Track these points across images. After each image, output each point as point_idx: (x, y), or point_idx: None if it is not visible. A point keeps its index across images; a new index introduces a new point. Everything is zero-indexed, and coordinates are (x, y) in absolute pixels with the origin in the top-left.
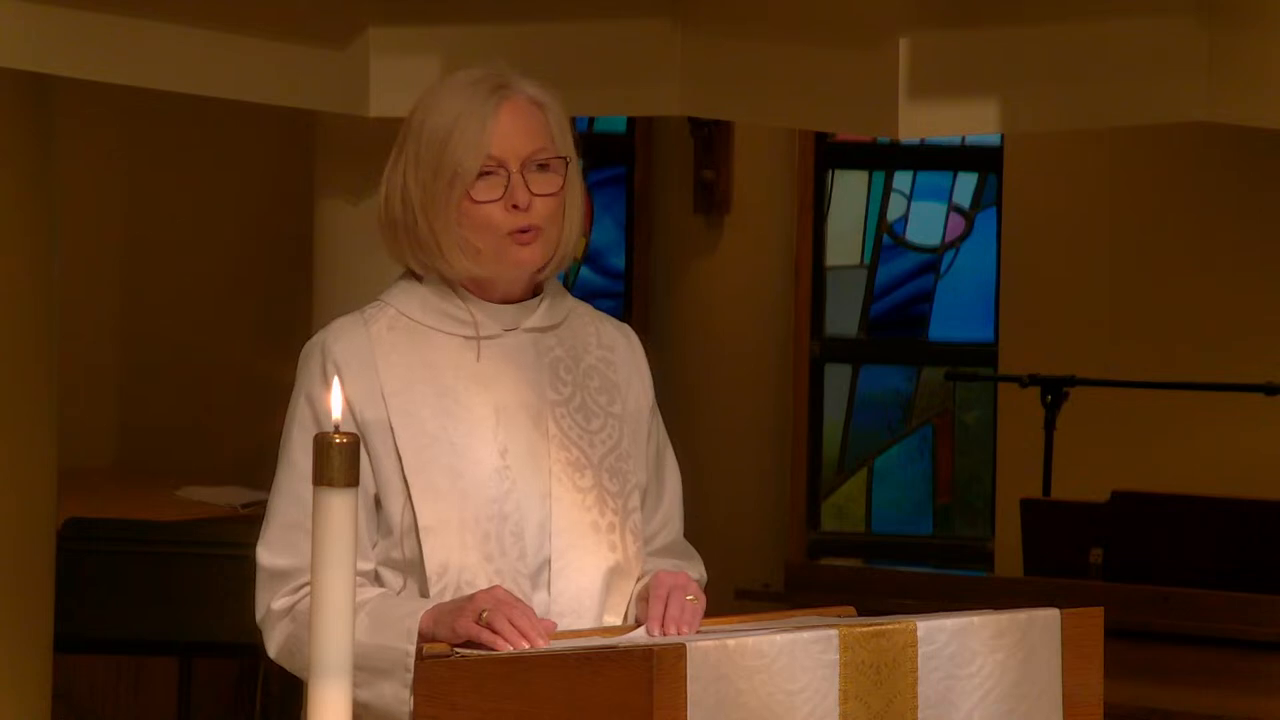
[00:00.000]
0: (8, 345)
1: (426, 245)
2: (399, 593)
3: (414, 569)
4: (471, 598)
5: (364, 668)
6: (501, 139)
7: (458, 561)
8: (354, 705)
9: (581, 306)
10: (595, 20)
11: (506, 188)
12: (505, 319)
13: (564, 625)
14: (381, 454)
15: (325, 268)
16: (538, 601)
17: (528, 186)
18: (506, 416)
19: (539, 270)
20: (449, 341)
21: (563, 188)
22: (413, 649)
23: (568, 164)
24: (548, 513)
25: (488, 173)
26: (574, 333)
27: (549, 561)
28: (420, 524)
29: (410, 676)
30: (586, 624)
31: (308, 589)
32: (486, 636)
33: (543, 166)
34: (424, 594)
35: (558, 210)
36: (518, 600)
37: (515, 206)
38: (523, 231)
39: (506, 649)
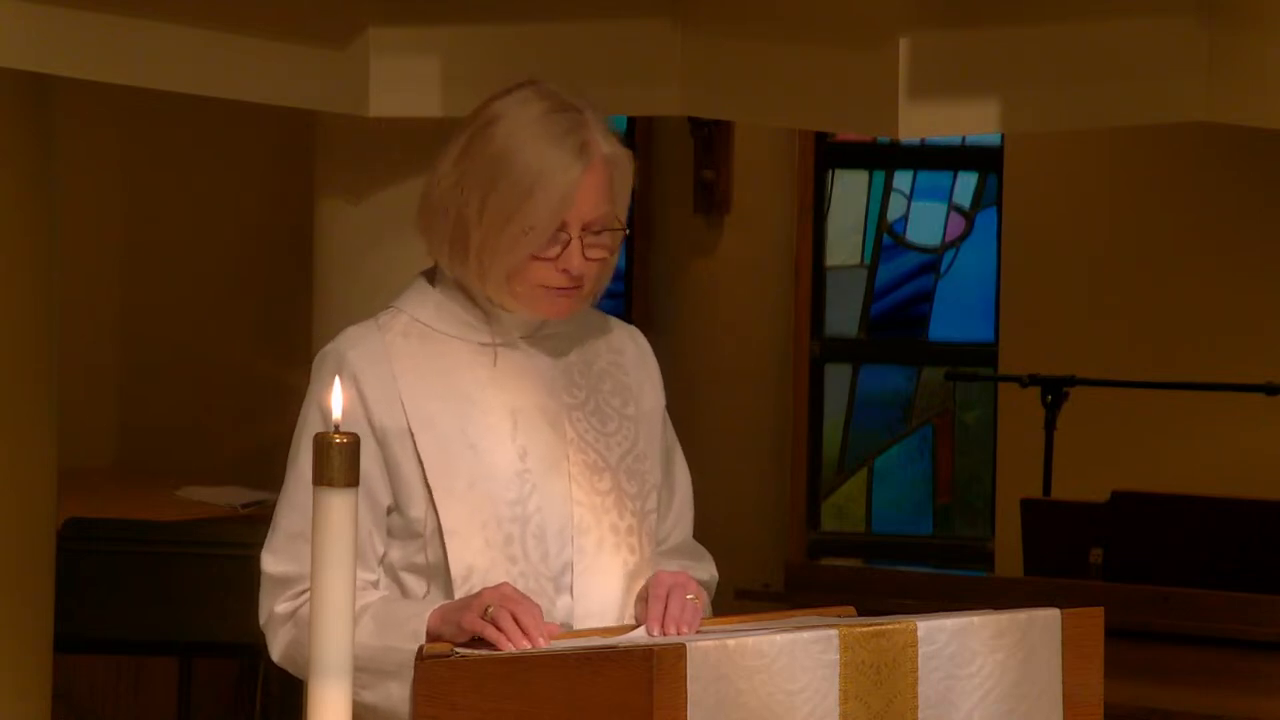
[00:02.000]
0: (8, 345)
1: (469, 267)
2: (423, 598)
3: (438, 573)
4: (479, 594)
5: (370, 670)
6: (576, 207)
7: (483, 564)
8: (361, 707)
9: (590, 312)
10: (595, 20)
11: (564, 251)
12: (519, 326)
13: (589, 627)
14: (401, 460)
15: (325, 268)
16: (561, 605)
17: (584, 253)
18: (525, 420)
19: None
20: (464, 347)
21: (612, 253)
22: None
23: (623, 231)
24: (568, 516)
25: (552, 237)
26: (584, 337)
27: (571, 565)
28: (444, 527)
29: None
30: (609, 625)
31: (305, 596)
32: (490, 632)
33: (599, 232)
34: (448, 598)
35: (601, 269)
36: (524, 597)
37: (565, 270)
38: (562, 289)
39: (509, 646)
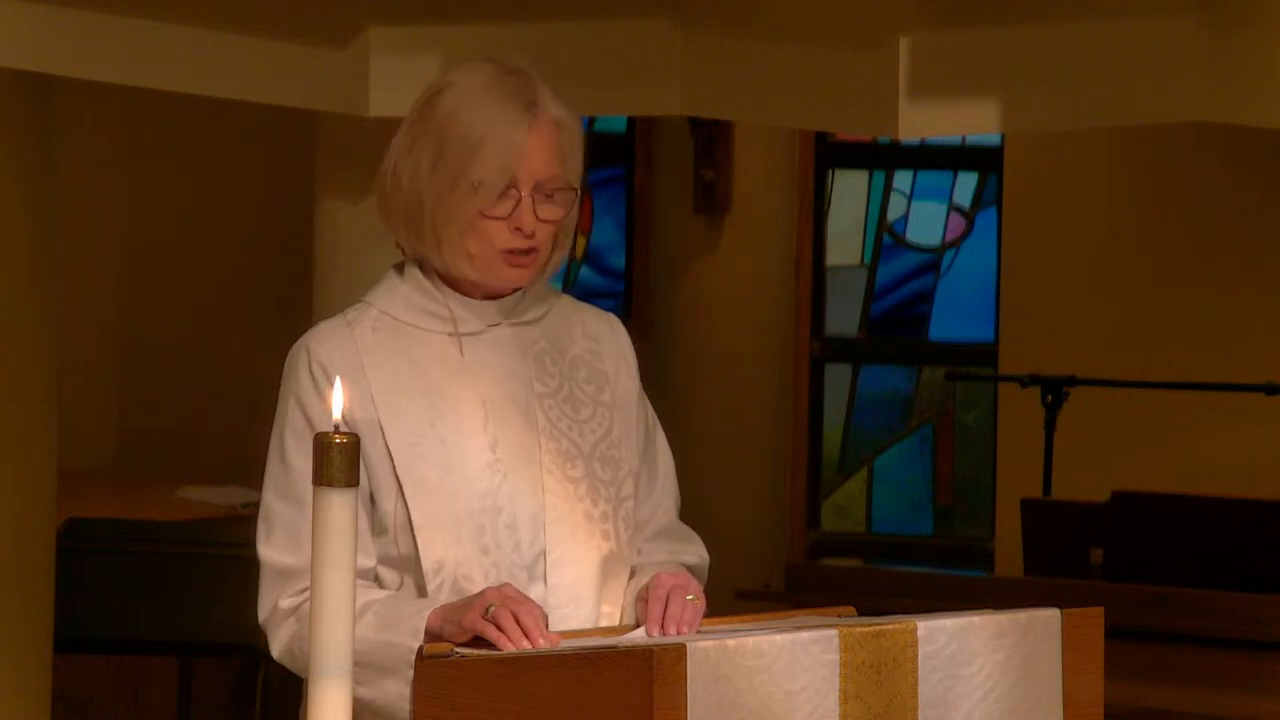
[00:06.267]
0: (8, 345)
1: (425, 237)
2: (397, 588)
3: (410, 566)
4: (481, 593)
5: (368, 665)
6: (524, 164)
7: (453, 557)
8: (357, 703)
9: (564, 299)
10: (595, 20)
11: (515, 209)
12: (488, 315)
13: (562, 615)
14: (373, 453)
15: (325, 268)
16: (534, 594)
17: (535, 212)
18: (495, 410)
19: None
20: (433, 339)
21: (565, 215)
22: (418, 647)
23: (575, 193)
24: (540, 504)
25: (502, 193)
26: (558, 325)
27: (544, 553)
28: (414, 521)
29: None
30: (584, 614)
31: (309, 593)
32: (491, 632)
33: (550, 193)
34: (421, 590)
35: (555, 232)
36: (526, 598)
37: (518, 229)
38: (518, 252)
39: (509, 646)
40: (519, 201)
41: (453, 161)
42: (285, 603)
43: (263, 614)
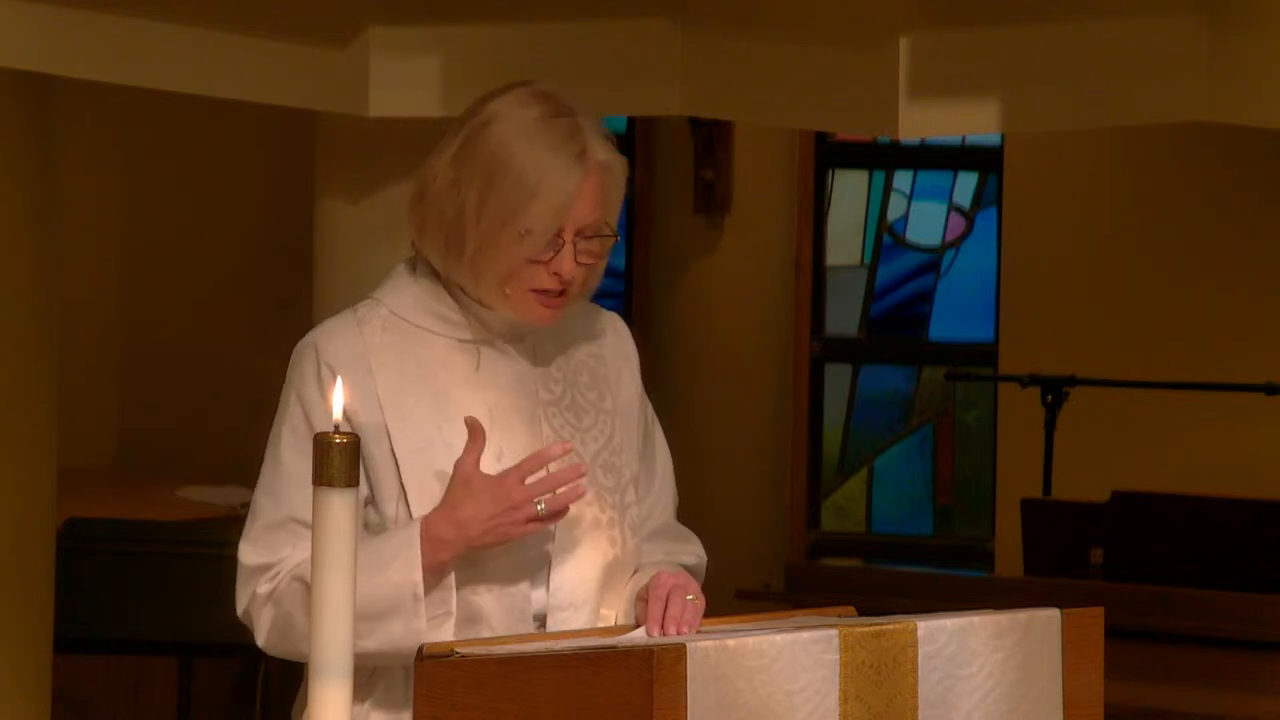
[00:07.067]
0: (8, 345)
1: (463, 267)
2: None
3: None
4: (490, 510)
5: (366, 616)
6: (572, 213)
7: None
8: (363, 657)
9: None
10: (595, 20)
11: (556, 255)
12: (498, 325)
13: (561, 619)
14: (377, 456)
15: (325, 268)
16: (535, 598)
17: (575, 258)
18: (500, 418)
19: None
20: (441, 342)
21: (601, 259)
22: (419, 577)
23: (615, 238)
24: None
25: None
26: (563, 328)
27: (548, 558)
28: None
29: (421, 606)
30: (583, 618)
31: (284, 574)
32: (549, 521)
33: (590, 237)
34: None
35: (589, 273)
36: (518, 485)
37: (556, 274)
38: (551, 293)
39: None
40: (561, 249)
41: (503, 204)
42: (262, 589)
43: (240, 607)
